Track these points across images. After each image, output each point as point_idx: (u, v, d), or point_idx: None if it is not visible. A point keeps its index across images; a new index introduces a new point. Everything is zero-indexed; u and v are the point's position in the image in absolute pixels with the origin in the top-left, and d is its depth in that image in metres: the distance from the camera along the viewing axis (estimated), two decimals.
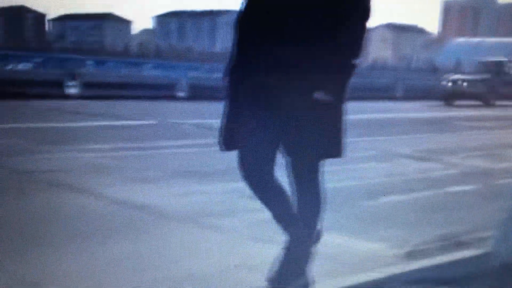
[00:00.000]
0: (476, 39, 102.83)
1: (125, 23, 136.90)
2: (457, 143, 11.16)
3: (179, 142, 9.53)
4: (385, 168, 7.93)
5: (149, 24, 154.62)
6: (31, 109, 13.96)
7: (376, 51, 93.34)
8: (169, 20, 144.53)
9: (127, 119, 12.58)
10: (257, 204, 3.14)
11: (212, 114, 14.30)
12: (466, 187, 6.88)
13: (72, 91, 17.73)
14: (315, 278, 3.21)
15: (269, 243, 3.89)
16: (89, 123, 11.59)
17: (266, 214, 3.16)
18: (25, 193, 5.62)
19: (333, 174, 5.96)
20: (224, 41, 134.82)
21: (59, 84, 17.75)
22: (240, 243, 4.37)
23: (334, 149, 2.98)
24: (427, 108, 21.01)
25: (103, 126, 11.28)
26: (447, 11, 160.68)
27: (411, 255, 4.22)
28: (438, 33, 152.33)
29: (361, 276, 3.56)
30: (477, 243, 4.43)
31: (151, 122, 12.38)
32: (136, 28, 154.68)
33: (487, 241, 4.16)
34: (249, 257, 4.01)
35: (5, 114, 12.45)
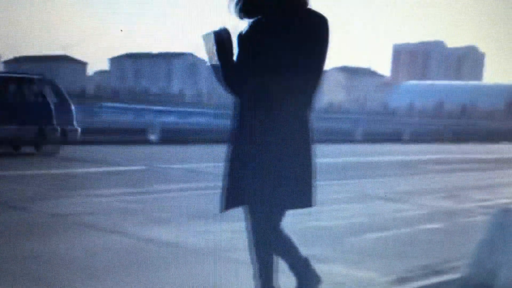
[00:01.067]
0: (427, 82, 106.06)
1: (81, 65, 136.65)
2: (423, 185, 12.20)
3: (177, 186, 10.33)
4: (364, 209, 8.89)
5: (105, 65, 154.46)
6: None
7: (331, 93, 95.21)
8: (125, 62, 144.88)
9: (117, 165, 13.20)
10: None
11: (191, 159, 15.10)
12: (436, 225, 7.88)
13: None
14: None
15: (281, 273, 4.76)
16: (85, 170, 12.22)
17: None
18: (65, 234, 6.41)
19: (318, 214, 6.97)
20: (180, 82, 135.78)
21: None
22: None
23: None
24: (388, 151, 22.13)
25: (101, 172, 11.95)
26: (397, 54, 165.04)
27: (399, 281, 5.13)
28: (390, 76, 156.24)
29: None
30: (451, 270, 5.35)
31: (141, 167, 13.07)
32: (92, 69, 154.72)
33: (459, 269, 5.12)
34: None
35: None
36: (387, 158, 19.23)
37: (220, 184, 3.30)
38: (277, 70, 3.14)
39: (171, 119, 30.24)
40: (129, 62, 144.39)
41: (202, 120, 32.12)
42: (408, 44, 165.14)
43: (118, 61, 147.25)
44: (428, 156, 20.30)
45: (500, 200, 10.32)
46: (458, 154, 21.94)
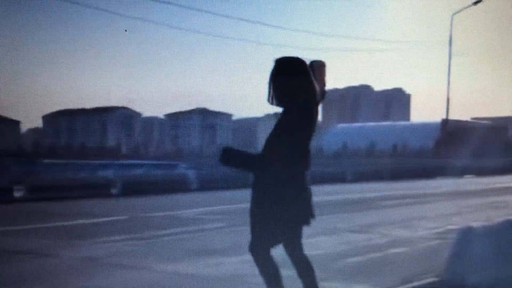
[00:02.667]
0: (357, 124, 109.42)
1: (14, 124, 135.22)
2: (378, 218, 13.71)
3: (168, 231, 11.47)
4: (337, 240, 10.28)
5: (38, 123, 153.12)
6: None
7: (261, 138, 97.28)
8: (58, 119, 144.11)
9: (100, 217, 14.21)
10: None
11: (162, 208, 16.10)
12: (401, 250, 9.35)
13: (18, 194, 19.00)
14: None
15: None
16: (74, 222, 13.20)
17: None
18: (103, 273, 7.56)
19: (304, 245, 8.43)
20: (114, 136, 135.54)
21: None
22: None
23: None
24: (335, 191, 23.65)
25: (91, 223, 12.98)
26: (327, 100, 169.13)
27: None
28: (321, 120, 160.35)
29: None
30: (424, 279, 6.77)
31: (123, 217, 14.13)
32: (25, 127, 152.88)
33: (430, 278, 6.58)
34: None
35: None
36: (338, 196, 20.77)
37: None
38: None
39: (121, 172, 31.00)
40: (62, 119, 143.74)
41: (147, 171, 32.96)
42: (337, 89, 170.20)
43: (51, 118, 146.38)
44: (373, 194, 21.90)
45: (448, 226, 11.91)
46: (399, 191, 23.71)
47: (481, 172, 38.22)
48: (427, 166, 39.89)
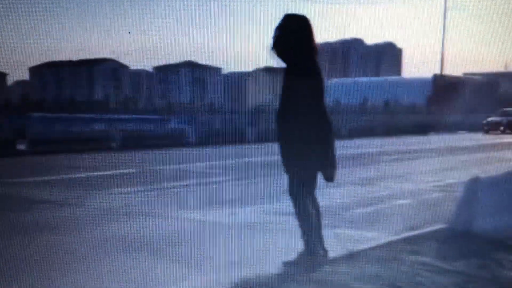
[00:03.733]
0: (349, 79, 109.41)
1: (1, 76, 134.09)
2: (379, 173, 14.14)
3: (181, 183, 11.86)
4: (343, 192, 10.67)
5: (25, 75, 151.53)
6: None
7: (258, 93, 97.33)
8: (45, 71, 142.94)
9: (112, 170, 14.56)
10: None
11: (167, 161, 16.41)
12: (404, 201, 9.78)
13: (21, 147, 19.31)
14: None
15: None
16: (89, 174, 13.57)
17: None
18: (124, 221, 7.94)
19: None
20: (102, 89, 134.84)
21: None
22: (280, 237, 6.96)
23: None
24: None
25: (106, 175, 13.38)
26: (319, 53, 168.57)
27: (394, 235, 6.91)
28: None
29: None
30: (430, 227, 7.18)
31: (134, 170, 14.52)
32: (12, 80, 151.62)
33: (435, 226, 7.00)
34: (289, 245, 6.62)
35: None
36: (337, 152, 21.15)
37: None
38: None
39: (118, 125, 31.15)
40: (49, 71, 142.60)
41: (144, 125, 33.13)
42: (328, 43, 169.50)
43: (38, 70, 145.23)
44: (369, 149, 22.35)
45: (447, 180, 12.36)
46: (394, 146, 24.17)
47: (473, 128, 38.76)
48: (420, 122, 40.30)
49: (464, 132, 37.66)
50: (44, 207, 9.07)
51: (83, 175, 13.41)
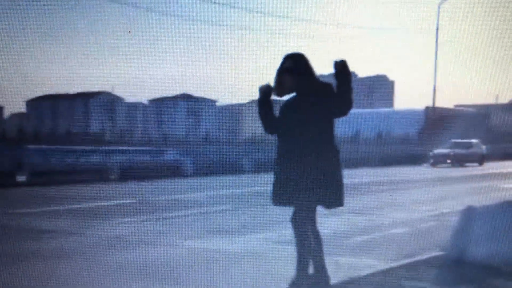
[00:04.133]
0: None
1: None
2: (374, 202, 14.45)
3: (180, 213, 12.15)
4: (341, 220, 10.97)
5: (22, 108, 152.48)
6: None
7: (252, 124, 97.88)
8: (42, 104, 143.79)
9: (110, 200, 14.82)
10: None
11: (165, 191, 16.68)
12: (401, 230, 10.08)
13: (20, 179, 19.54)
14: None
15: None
16: (90, 205, 13.86)
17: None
18: (134, 249, 8.23)
19: None
20: (98, 121, 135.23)
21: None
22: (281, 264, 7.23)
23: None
24: None
25: (106, 206, 13.66)
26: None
27: (394, 262, 7.19)
28: None
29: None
30: (428, 254, 7.47)
31: (132, 201, 14.77)
32: (9, 112, 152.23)
33: (434, 253, 7.29)
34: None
35: None
36: None
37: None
38: (306, 127, 5.18)
39: (115, 157, 31.44)
40: (46, 104, 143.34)
41: (141, 157, 33.41)
42: (320, 76, 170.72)
43: (35, 103, 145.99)
44: (364, 179, 22.65)
45: (441, 210, 12.68)
46: (388, 177, 24.50)
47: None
48: (412, 153, 40.64)
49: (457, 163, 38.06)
50: (53, 236, 9.34)
51: (86, 205, 13.69)
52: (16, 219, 11.33)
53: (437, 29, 52.72)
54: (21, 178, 19.54)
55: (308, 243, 5.28)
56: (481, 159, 37.20)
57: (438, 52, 64.62)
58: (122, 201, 14.46)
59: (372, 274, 6.14)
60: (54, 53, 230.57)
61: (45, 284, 6.32)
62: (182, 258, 7.68)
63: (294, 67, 5.21)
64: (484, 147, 38.76)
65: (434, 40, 52.93)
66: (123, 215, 11.69)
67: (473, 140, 38.40)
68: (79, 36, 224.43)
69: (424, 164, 35.50)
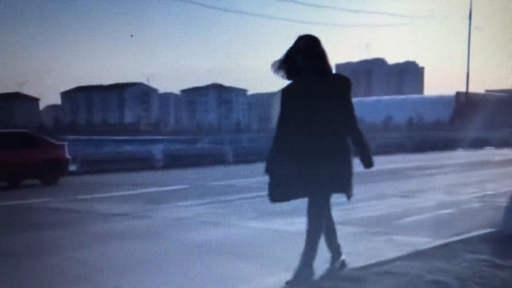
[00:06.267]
0: (372, 98, 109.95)
1: (33, 101, 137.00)
2: (418, 186, 14.87)
3: (232, 197, 12.75)
4: (389, 203, 11.47)
5: (56, 100, 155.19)
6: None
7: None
8: (77, 96, 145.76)
9: (166, 186, 15.59)
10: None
11: (214, 177, 17.33)
12: (448, 211, 10.52)
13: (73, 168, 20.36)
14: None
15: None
16: (150, 190, 14.58)
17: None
18: (199, 228, 8.84)
19: (361, 208, 9.69)
20: (132, 112, 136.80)
21: None
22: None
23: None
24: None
25: (165, 191, 14.36)
26: (340, 73, 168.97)
27: (444, 239, 7.66)
28: None
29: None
30: (477, 231, 7.88)
31: (185, 186, 15.46)
32: (44, 104, 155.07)
33: (482, 231, 7.71)
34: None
35: None
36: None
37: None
38: (313, 114, 4.98)
39: (154, 147, 32.26)
40: (81, 95, 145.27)
41: (182, 145, 34.16)
42: (350, 63, 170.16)
43: (70, 95, 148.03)
44: (402, 164, 23.07)
45: (485, 192, 13.06)
46: (426, 162, 24.82)
47: (499, 143, 39.19)
48: (446, 138, 40.71)
49: (492, 147, 38.11)
50: (122, 219, 10.01)
51: (142, 191, 14.39)
52: (83, 204, 12.04)
53: (470, 15, 52.40)
54: (72, 167, 20.32)
55: (321, 233, 5.25)
56: None
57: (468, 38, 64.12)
58: (175, 187, 15.15)
59: (433, 248, 6.62)
60: (89, 45, 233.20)
61: (130, 262, 6.86)
62: (247, 237, 8.26)
63: (307, 48, 4.95)
64: None
65: (463, 26, 52.74)
66: (181, 199, 12.34)
67: None
68: (113, 27, 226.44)
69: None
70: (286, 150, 5.04)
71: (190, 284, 5.82)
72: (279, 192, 5.13)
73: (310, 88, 4.96)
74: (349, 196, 5.22)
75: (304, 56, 4.91)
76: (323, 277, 5.34)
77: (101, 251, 7.47)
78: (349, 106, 5.05)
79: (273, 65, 5.02)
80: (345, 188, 5.13)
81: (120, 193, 14.04)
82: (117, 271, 6.38)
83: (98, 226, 9.41)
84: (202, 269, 6.39)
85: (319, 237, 5.19)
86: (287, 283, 5.12)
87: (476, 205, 11.24)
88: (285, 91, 5.07)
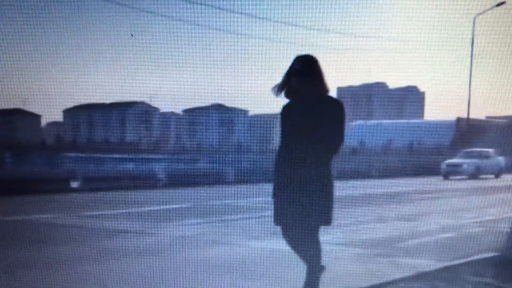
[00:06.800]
0: (373, 121, 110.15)
1: (35, 117, 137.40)
2: (418, 210, 15.00)
3: (238, 216, 12.87)
4: (391, 226, 11.59)
5: (58, 117, 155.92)
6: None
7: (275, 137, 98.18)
8: (78, 113, 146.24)
9: (170, 204, 15.72)
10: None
11: (216, 197, 17.48)
12: (449, 235, 10.63)
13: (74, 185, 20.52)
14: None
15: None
16: (151, 208, 14.71)
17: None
18: (203, 248, 8.97)
19: (363, 230, 9.79)
20: (133, 131, 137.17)
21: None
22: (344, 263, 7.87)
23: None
24: (366, 186, 24.98)
25: (167, 209, 14.48)
26: (341, 97, 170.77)
27: (450, 261, 7.78)
28: None
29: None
30: (479, 255, 8.00)
31: (189, 204, 15.60)
32: (46, 121, 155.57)
33: (484, 255, 7.84)
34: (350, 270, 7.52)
35: None
36: (372, 190, 22.10)
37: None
38: (307, 134, 4.98)
39: (158, 165, 32.40)
40: (82, 113, 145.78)
41: (184, 165, 34.32)
42: (351, 87, 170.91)
43: (72, 112, 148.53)
44: (403, 188, 23.18)
45: (486, 217, 13.18)
46: (426, 186, 24.98)
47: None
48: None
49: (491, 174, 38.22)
50: (127, 236, 10.13)
51: (147, 209, 14.52)
52: (88, 221, 12.15)
53: (473, 41, 52.80)
54: (74, 184, 20.47)
55: (320, 257, 5.31)
56: (499, 171, 34.79)
57: (469, 65, 64.48)
58: (178, 205, 15.27)
59: (437, 270, 6.74)
60: (91, 64, 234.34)
61: (138, 278, 6.98)
62: (251, 256, 8.37)
63: (303, 68, 5.02)
64: (501, 158, 36.03)
65: (465, 52, 53.15)
66: (184, 217, 12.46)
67: (489, 150, 35.91)
68: (115, 47, 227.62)
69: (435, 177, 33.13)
70: (281, 173, 5.09)
71: None
72: (278, 216, 5.20)
73: (303, 108, 5.01)
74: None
75: (300, 76, 4.98)
76: None
77: (110, 267, 7.58)
78: (339, 130, 5.03)
79: (273, 88, 5.09)
80: (329, 221, 5.13)
81: (124, 210, 14.16)
82: (127, 287, 6.48)
83: (105, 242, 9.53)
84: (210, 286, 6.51)
85: (319, 260, 5.27)
86: None
87: (477, 229, 11.36)
88: (283, 109, 5.13)
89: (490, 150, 35.91)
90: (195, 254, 8.49)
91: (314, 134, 4.94)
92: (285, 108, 5.09)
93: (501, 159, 35.76)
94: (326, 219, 5.08)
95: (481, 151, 35.57)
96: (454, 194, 21.00)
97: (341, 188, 20.72)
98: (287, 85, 5.05)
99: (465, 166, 33.03)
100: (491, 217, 13.07)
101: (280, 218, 5.15)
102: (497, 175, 34.48)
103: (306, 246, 5.21)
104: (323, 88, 5.05)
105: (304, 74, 5.00)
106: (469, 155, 34.72)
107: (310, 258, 5.23)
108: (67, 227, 11.25)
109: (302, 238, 5.17)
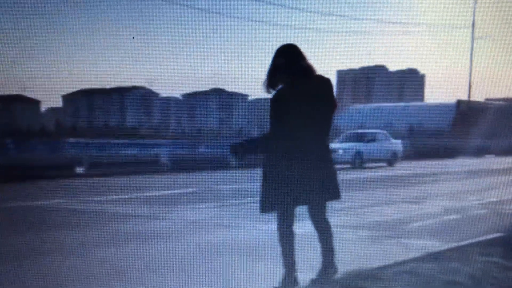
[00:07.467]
0: (373, 105, 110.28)
1: (35, 104, 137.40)
2: (423, 192, 15.18)
3: (246, 200, 13.02)
4: (397, 209, 11.77)
5: (58, 102, 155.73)
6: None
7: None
8: (78, 99, 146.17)
9: (177, 189, 16.00)
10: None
11: (222, 181, 17.70)
12: (454, 217, 10.82)
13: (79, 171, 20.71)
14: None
15: None
16: (160, 193, 14.90)
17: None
18: (214, 231, 9.17)
19: (370, 213, 9.96)
20: (133, 116, 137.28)
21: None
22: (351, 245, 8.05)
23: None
24: (373, 168, 25.14)
25: (175, 194, 14.70)
26: (341, 80, 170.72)
27: (454, 243, 7.95)
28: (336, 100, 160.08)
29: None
30: (485, 236, 8.17)
31: (194, 189, 15.81)
32: (45, 107, 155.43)
33: (490, 236, 8.01)
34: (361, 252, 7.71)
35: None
36: (376, 174, 22.31)
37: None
38: (304, 118, 5.10)
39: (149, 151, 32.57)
40: (82, 98, 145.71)
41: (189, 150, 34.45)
42: (351, 70, 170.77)
43: (71, 98, 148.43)
44: (406, 171, 23.39)
45: (489, 199, 13.37)
46: (428, 169, 25.15)
47: (499, 152, 39.51)
48: (447, 146, 40.96)
49: (492, 156, 38.46)
50: (139, 220, 10.32)
51: (154, 193, 14.72)
52: (97, 205, 12.34)
53: (473, 24, 52.78)
54: (79, 170, 20.65)
55: (331, 232, 5.57)
56: (392, 158, 28.65)
57: (468, 47, 64.49)
58: (185, 190, 15.49)
59: (446, 250, 6.93)
60: (90, 49, 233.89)
61: (153, 262, 7.16)
62: (263, 238, 8.51)
63: (285, 60, 5.10)
64: (397, 141, 30.01)
65: (465, 34, 53.17)
66: (192, 202, 12.67)
67: (378, 131, 30.39)
68: (115, 31, 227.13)
69: None
70: (279, 158, 5.17)
71: (214, 283, 6.11)
72: (269, 202, 5.47)
73: (296, 93, 5.08)
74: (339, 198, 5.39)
75: (286, 69, 5.08)
76: (345, 275, 5.63)
77: (124, 251, 7.75)
78: (331, 108, 5.19)
79: (265, 88, 5.18)
80: (338, 195, 5.34)
81: (133, 195, 14.36)
82: (142, 270, 6.65)
83: (117, 227, 9.71)
84: (225, 268, 6.70)
85: (331, 235, 5.50)
86: (313, 281, 5.42)
87: (481, 211, 11.53)
88: (275, 96, 5.15)
89: (379, 131, 30.24)
90: (208, 237, 8.68)
91: (310, 116, 5.07)
92: (277, 95, 5.14)
93: (396, 143, 29.57)
94: (337, 194, 5.31)
95: (365, 132, 30.24)
96: (456, 176, 21.06)
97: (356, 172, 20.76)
98: (274, 77, 5.13)
99: (340, 152, 25.29)
100: (494, 199, 13.29)
101: (274, 204, 5.51)
102: (391, 162, 28.32)
103: (319, 224, 5.47)
104: (309, 70, 5.13)
105: (289, 67, 5.09)
106: (349, 138, 27.98)
107: (325, 237, 5.50)
108: (76, 213, 11.43)
109: (313, 216, 5.45)
